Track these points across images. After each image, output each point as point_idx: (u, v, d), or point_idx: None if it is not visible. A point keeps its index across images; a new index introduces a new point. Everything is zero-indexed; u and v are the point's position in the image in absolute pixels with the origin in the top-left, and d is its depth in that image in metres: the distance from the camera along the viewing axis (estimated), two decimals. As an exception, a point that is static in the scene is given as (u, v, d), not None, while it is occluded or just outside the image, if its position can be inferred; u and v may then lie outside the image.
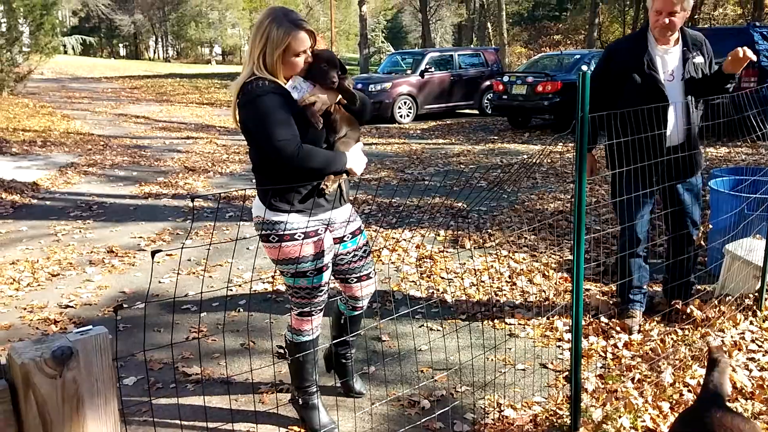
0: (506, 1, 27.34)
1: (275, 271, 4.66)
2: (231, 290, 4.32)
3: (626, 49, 3.41)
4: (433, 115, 15.11)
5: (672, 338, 3.39)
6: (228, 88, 23.73)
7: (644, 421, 2.60)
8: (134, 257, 5.06)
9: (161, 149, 10.68)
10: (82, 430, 1.04)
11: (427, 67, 14.75)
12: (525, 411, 2.78)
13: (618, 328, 3.53)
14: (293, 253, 2.39)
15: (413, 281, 4.46)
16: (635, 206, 3.40)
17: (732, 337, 3.36)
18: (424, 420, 2.71)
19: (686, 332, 3.42)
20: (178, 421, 2.74)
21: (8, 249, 5.29)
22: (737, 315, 3.52)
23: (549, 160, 9.14)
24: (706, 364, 1.95)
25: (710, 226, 4.21)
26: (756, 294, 3.71)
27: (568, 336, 3.50)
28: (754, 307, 3.66)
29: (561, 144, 10.68)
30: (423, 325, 3.72)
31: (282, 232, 2.38)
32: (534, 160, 3.64)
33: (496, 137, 12.05)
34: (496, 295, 4.19)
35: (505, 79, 12.86)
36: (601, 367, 3.14)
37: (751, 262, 3.69)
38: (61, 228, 5.90)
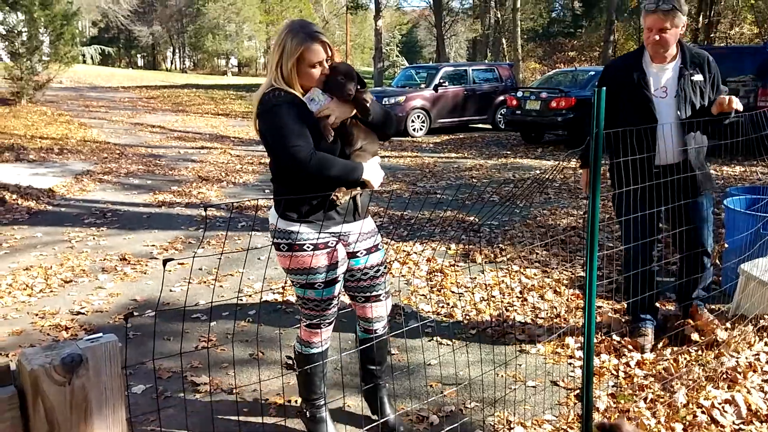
0: (521, 18, 27.43)
1: (285, 282, 4.68)
2: (241, 300, 4.33)
3: (622, 66, 3.41)
4: (446, 129, 15.13)
5: (685, 358, 3.35)
6: (248, 98, 23.95)
7: (656, 442, 2.56)
8: (146, 265, 5.09)
9: (176, 158, 10.77)
10: (89, 437, 1.04)
11: (441, 81, 14.80)
12: (535, 429, 2.75)
13: (630, 347, 3.48)
14: (302, 263, 2.39)
15: (423, 295, 4.44)
16: (634, 225, 3.33)
17: (747, 358, 3.30)
18: (432, 435, 2.68)
19: (700, 352, 3.37)
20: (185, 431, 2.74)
21: (23, 255, 5.33)
22: (752, 336, 3.47)
23: (562, 176, 9.10)
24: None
25: (726, 246, 4.16)
26: (772, 315, 3.65)
27: (579, 353, 3.46)
28: (770, 328, 3.60)
29: (574, 160, 10.63)
30: (433, 339, 3.70)
31: (292, 242, 2.38)
32: (547, 176, 3.62)
33: (509, 152, 12.02)
34: (507, 310, 4.15)
35: (519, 94, 12.86)
36: (613, 386, 3.10)
37: (766, 282, 3.64)
38: (75, 235, 5.95)
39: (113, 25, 47.58)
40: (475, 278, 4.74)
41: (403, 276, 4.81)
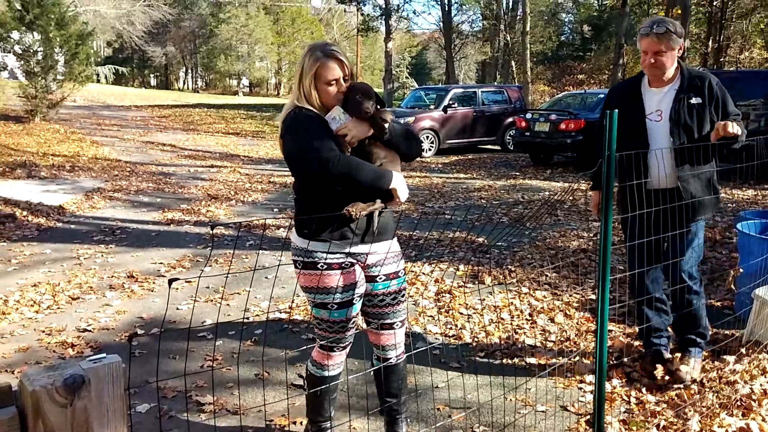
0: (531, 41, 27.59)
1: (292, 301, 4.65)
2: (247, 319, 4.30)
3: (623, 90, 3.38)
4: (455, 149, 15.16)
5: (699, 384, 3.28)
6: (258, 117, 24.13)
7: (669, 471, 2.50)
8: (154, 283, 5.08)
9: (186, 177, 10.83)
10: (89, 460, 1.01)
11: (450, 102, 14.86)
12: (544, 455, 2.69)
13: (642, 372, 3.42)
14: (314, 282, 2.36)
15: (431, 316, 4.40)
16: (638, 251, 3.23)
17: (762, 385, 3.23)
18: (439, 461, 2.63)
19: (714, 379, 3.30)
20: (189, 452, 2.70)
21: (31, 271, 5.34)
22: (766, 363, 3.40)
23: (572, 198, 9.07)
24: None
25: (741, 270, 4.09)
26: (787, 341, 3.59)
27: (589, 378, 3.40)
28: (785, 355, 3.53)
29: (584, 182, 10.61)
30: (441, 361, 3.65)
31: (305, 259, 2.36)
32: (558, 198, 3.57)
33: (517, 173, 12.01)
34: (516, 333, 4.10)
35: (528, 116, 12.88)
36: (624, 412, 3.04)
37: (781, 308, 3.58)
38: (84, 252, 5.96)
39: (127, 46, 48.24)
40: (484, 300, 4.70)
41: (411, 297, 4.77)
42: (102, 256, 5.86)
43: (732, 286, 4.22)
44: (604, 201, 2.11)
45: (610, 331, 4.05)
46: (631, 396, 3.20)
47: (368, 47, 51.75)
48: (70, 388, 0.97)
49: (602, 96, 12.75)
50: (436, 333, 4.09)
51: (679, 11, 17.89)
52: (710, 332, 3.54)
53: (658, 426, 2.84)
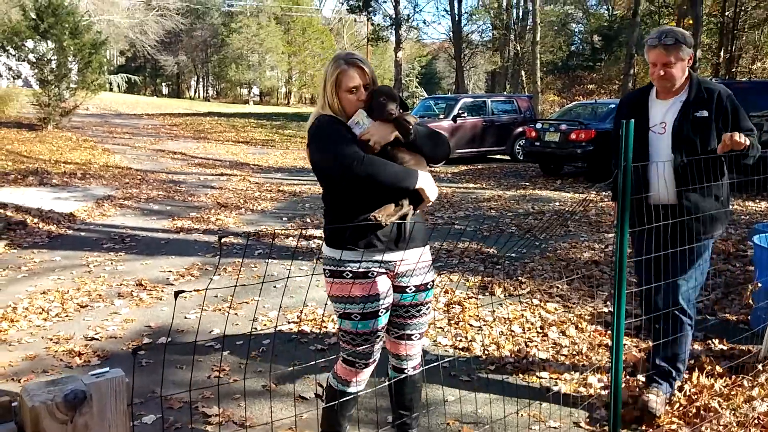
0: (541, 51, 27.57)
1: (301, 311, 4.62)
2: (255, 329, 4.27)
3: (631, 100, 3.29)
4: (465, 159, 15.12)
5: (716, 402, 3.21)
6: (269, 126, 24.21)
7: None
8: (162, 291, 5.06)
9: (195, 185, 10.85)
10: (90, 479, 0.98)
11: (460, 112, 14.84)
12: (557, 473, 2.63)
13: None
14: (339, 291, 2.32)
15: (441, 327, 4.35)
16: (645, 267, 3.09)
17: (780, 402, 3.16)
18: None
19: (731, 396, 3.23)
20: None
21: (41, 278, 5.34)
22: (785, 379, 3.32)
23: (582, 209, 9.00)
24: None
25: (759, 285, 4.01)
26: (805, 357, 3.51)
27: (603, 393, 3.34)
28: (803, 372, 3.45)
29: (594, 192, 10.54)
30: (451, 374, 3.60)
31: (333, 268, 2.32)
32: (572, 210, 3.48)
33: (527, 183, 11.95)
34: (527, 346, 4.04)
35: (539, 126, 12.83)
36: (638, 429, 2.97)
37: (799, 323, 3.50)
38: (94, 259, 5.96)
39: (140, 55, 48.69)
40: (494, 311, 4.64)
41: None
42: (111, 263, 5.86)
43: (750, 301, 4.15)
44: (620, 213, 2.07)
45: (624, 345, 3.98)
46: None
47: (378, 57, 51.92)
48: (70, 404, 0.94)
49: (613, 106, 12.70)
50: (446, 345, 4.04)
51: (691, 21, 17.85)
52: (685, 371, 3.28)
53: (673, 443, 2.77)
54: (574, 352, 3.93)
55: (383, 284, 2.33)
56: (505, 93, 27.32)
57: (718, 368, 3.60)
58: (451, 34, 32.05)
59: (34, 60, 16.86)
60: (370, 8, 31.52)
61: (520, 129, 15.03)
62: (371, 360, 2.40)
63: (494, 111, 15.49)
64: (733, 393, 3.27)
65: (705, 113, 2.97)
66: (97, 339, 4.06)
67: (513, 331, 4.29)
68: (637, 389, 3.30)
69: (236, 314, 4.58)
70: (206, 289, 1.59)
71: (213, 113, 31.09)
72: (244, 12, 51.95)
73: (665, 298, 3.06)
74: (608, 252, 6.34)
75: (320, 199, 7.26)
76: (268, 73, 52.51)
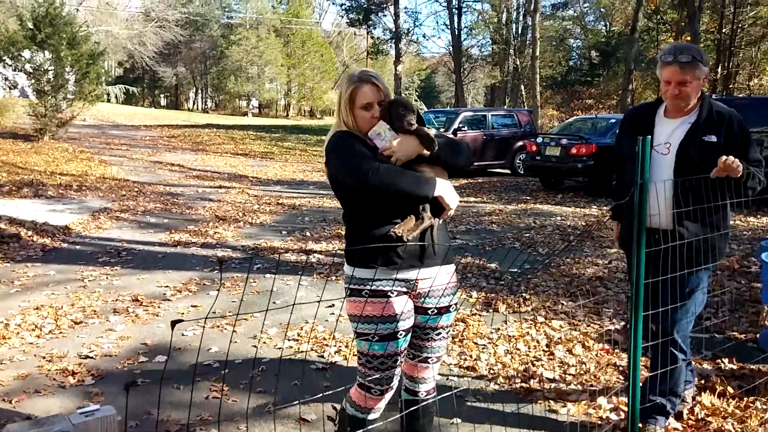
0: (540, 66, 27.66)
1: (301, 328, 4.51)
2: (255, 347, 4.16)
3: (636, 116, 3.10)
4: (465, 172, 15.05)
5: (730, 424, 3.11)
6: (267, 138, 24.17)
7: None
8: (159, 307, 4.95)
9: (193, 197, 10.75)
10: None
11: (460, 126, 14.80)
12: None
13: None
14: (356, 310, 2.23)
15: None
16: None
17: (796, 427, 3.06)
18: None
19: (745, 418, 3.13)
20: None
21: (34, 293, 5.22)
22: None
23: (584, 223, 8.92)
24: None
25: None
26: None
27: (612, 416, 3.24)
28: (819, 394, 3.35)
29: (596, 207, 10.48)
30: (456, 395, 3.49)
31: (352, 286, 2.24)
32: (591, 228, 3.28)
33: (528, 197, 11.88)
34: (533, 365, 3.94)
35: (539, 140, 12.80)
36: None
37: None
38: (89, 273, 5.84)
39: (138, 66, 48.76)
40: (498, 329, 4.54)
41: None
42: (107, 278, 5.74)
43: (766, 322, 4.05)
44: (636, 233, 1.98)
45: (619, 366, 3.88)
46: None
47: (377, 70, 51.97)
48: (59, 450, 0.84)
49: (614, 121, 12.69)
50: (451, 364, 3.93)
51: (689, 38, 17.92)
52: (680, 402, 3.13)
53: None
54: (582, 372, 3.83)
55: (403, 304, 2.23)
56: (505, 107, 27.37)
57: (729, 389, 3.51)
58: (450, 48, 32.20)
59: (31, 70, 16.80)
60: (370, 22, 31.66)
61: (520, 143, 15.00)
62: (388, 386, 2.28)
63: (494, 125, 15.47)
64: (746, 415, 3.18)
65: (713, 138, 2.79)
66: (92, 357, 3.94)
67: (518, 350, 4.18)
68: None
69: (235, 331, 4.47)
70: (205, 317, 1.50)
71: (211, 125, 31.07)
72: (244, 24, 52.13)
73: (659, 327, 2.87)
74: (612, 268, 6.25)
75: (320, 212, 7.15)
76: (267, 86, 52.62)
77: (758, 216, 9.27)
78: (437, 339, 2.36)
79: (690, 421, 3.15)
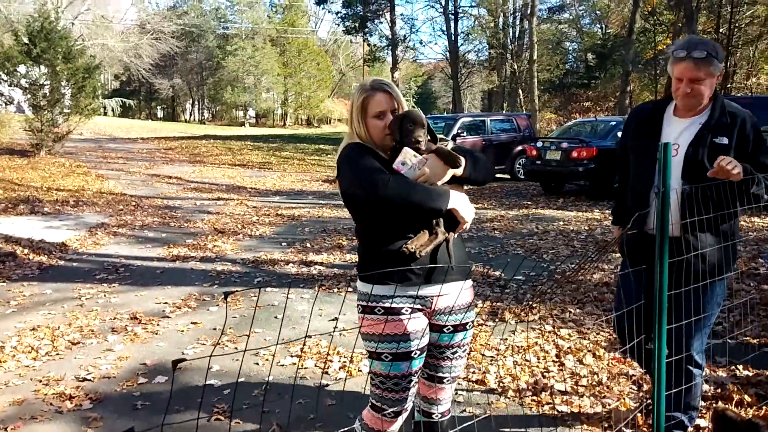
0: (537, 69, 27.65)
1: (303, 344, 4.40)
2: (257, 364, 4.05)
3: (643, 114, 2.90)
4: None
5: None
6: (265, 149, 24.11)
7: None
8: (158, 325, 4.84)
9: (191, 210, 10.65)
10: None
11: (459, 131, 14.73)
12: None
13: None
14: (370, 328, 2.13)
15: (452, 359, 4.13)
16: (642, 308, 2.64)
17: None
18: None
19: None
20: None
21: (30, 313, 5.11)
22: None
23: (587, 227, 8.83)
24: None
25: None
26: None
27: (628, 431, 3.13)
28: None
29: (598, 211, 10.39)
30: (465, 411, 3.38)
31: (365, 304, 2.14)
32: (611, 243, 3.05)
33: (529, 202, 11.79)
34: (544, 376, 3.83)
35: (539, 144, 12.73)
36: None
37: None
38: (86, 291, 5.73)
39: (135, 78, 48.77)
40: (506, 339, 4.43)
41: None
42: (104, 296, 5.63)
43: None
44: (659, 244, 1.88)
45: (632, 375, 3.78)
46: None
47: (374, 77, 52.13)
48: None
49: (614, 123, 12.62)
50: (459, 377, 3.82)
51: (686, 38, 17.88)
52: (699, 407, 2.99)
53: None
54: (594, 383, 3.72)
55: (418, 322, 2.13)
56: (504, 111, 27.34)
57: (746, 397, 3.41)
58: (447, 53, 32.19)
59: (27, 85, 16.73)
60: (367, 29, 31.68)
61: (519, 147, 14.94)
62: (402, 408, 2.18)
63: (493, 130, 15.41)
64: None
65: (725, 140, 2.61)
66: (90, 380, 3.83)
67: (528, 361, 4.07)
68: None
69: (236, 348, 4.36)
70: (210, 356, 1.39)
71: (209, 136, 31.02)
72: (240, 34, 52.23)
73: (672, 347, 2.60)
74: (618, 273, 6.15)
75: (320, 223, 7.02)
76: (263, 95, 52.66)
77: (763, 216, 9.17)
78: (453, 358, 2.26)
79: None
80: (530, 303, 5.30)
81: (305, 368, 3.99)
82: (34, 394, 3.62)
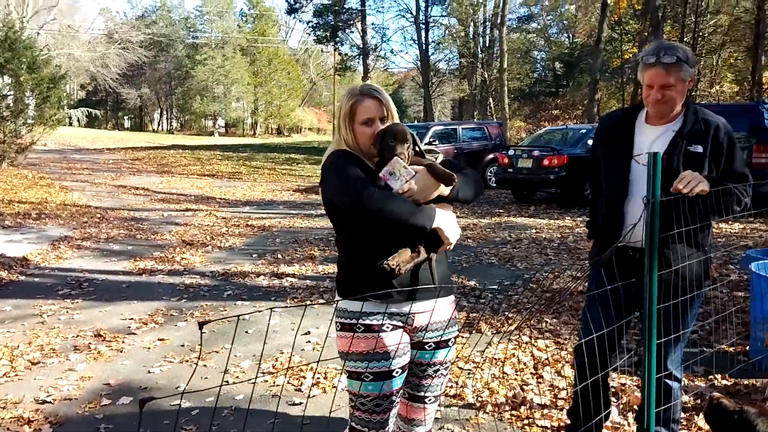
0: (507, 78, 27.90)
1: (276, 359, 4.27)
2: (227, 382, 3.90)
3: (614, 123, 2.83)
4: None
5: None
6: (235, 158, 23.82)
7: None
8: (123, 342, 4.65)
9: (159, 222, 10.39)
10: None
11: (431, 140, 14.73)
12: None
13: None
14: (347, 345, 2.03)
15: (429, 373, 4.03)
16: (610, 319, 2.60)
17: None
18: None
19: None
20: None
21: (-13, 332, 4.88)
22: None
23: (560, 235, 8.85)
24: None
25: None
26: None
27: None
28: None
29: (569, 218, 10.44)
30: (443, 428, 3.29)
31: (343, 320, 2.05)
32: (604, 256, 2.89)
33: (501, 210, 11.82)
34: (523, 390, 3.76)
35: (511, 152, 12.79)
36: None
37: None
38: (48, 308, 5.50)
39: (101, 88, 47.98)
40: (483, 351, 4.35)
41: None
42: (67, 312, 5.41)
43: None
44: (648, 256, 1.82)
45: (623, 384, 3.74)
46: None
47: (345, 86, 52.07)
48: None
49: (584, 131, 12.75)
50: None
51: (652, 48, 18.22)
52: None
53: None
54: (573, 395, 3.66)
55: (398, 339, 2.04)
56: (475, 120, 27.51)
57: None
58: (419, 63, 32.32)
59: (-11, 96, 16.28)
60: (338, 39, 31.67)
61: (491, 156, 15.00)
62: (383, 430, 2.08)
63: (465, 138, 15.46)
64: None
65: (699, 149, 2.54)
66: (50, 402, 3.63)
67: (506, 373, 4.00)
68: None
69: (205, 366, 4.20)
70: (182, 392, 1.27)
71: (177, 146, 30.57)
72: (209, 44, 51.83)
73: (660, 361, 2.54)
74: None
75: (291, 233, 6.87)
76: (233, 105, 52.28)
77: (730, 222, 9.31)
78: (435, 376, 2.18)
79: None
80: (506, 313, 5.25)
81: (276, 385, 3.85)
82: (-12, 420, 3.42)
